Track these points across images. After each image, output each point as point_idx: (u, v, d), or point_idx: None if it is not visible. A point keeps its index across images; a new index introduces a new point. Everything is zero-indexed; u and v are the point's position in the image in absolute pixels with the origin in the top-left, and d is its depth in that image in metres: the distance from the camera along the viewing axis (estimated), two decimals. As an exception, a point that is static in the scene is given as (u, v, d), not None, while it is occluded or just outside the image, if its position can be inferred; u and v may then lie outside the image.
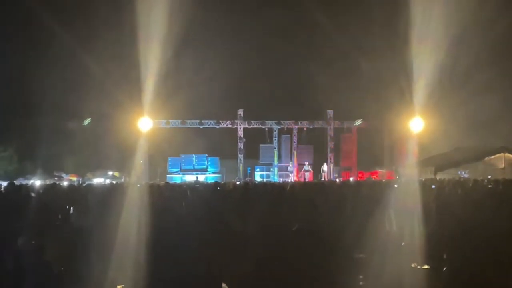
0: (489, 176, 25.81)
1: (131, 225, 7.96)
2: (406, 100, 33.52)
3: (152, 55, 29.45)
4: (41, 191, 15.11)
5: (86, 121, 37.59)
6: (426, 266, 7.55)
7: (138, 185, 18.15)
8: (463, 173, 35.17)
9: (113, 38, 32.12)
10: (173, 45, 29.55)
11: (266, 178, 39.97)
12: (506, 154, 34.97)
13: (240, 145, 40.30)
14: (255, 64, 38.86)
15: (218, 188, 14.50)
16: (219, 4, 35.23)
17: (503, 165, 34.48)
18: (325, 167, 39.72)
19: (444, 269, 7.00)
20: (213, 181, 26.16)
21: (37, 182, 27.65)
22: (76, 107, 34.83)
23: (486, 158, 35.26)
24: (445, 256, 7.43)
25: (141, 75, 30.09)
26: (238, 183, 27.78)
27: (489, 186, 16.35)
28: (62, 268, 7.05)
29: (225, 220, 7.99)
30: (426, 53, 29.00)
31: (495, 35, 31.95)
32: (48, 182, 29.11)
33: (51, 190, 14.22)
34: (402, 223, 8.92)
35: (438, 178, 25.58)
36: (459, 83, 33.43)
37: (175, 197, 11.56)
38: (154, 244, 7.23)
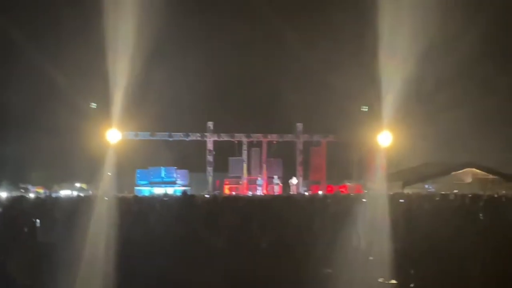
0: (455, 191, 26.11)
1: (99, 238, 7.89)
2: (375, 114, 33.84)
3: (121, 66, 29.27)
4: (6, 203, 14.89)
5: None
6: (393, 281, 7.59)
7: (106, 198, 17.98)
8: (430, 187, 35.55)
9: (81, 49, 31.91)
10: (142, 57, 29.42)
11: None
12: (473, 169, 35.51)
13: (210, 157, 40.22)
14: (225, 76, 38.90)
15: (188, 200, 14.42)
16: (189, 16, 35.19)
17: (470, 180, 34.98)
18: (294, 180, 39.77)
19: (411, 285, 7.06)
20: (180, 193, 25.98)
21: (2, 194, 27.24)
22: (43, 119, 34.42)
23: (453, 173, 35.77)
24: (412, 272, 7.49)
25: (110, 87, 29.89)
26: (207, 196, 27.68)
27: (454, 200, 16.55)
28: (27, 283, 6.95)
29: (194, 235, 7.96)
30: (394, 67, 29.27)
31: (463, 50, 32.43)
32: (14, 194, 28.67)
33: (17, 202, 14.02)
34: (370, 238, 8.95)
35: (406, 192, 25.81)
36: (428, 98, 33.86)
37: (143, 210, 11.47)
38: (122, 258, 7.18)
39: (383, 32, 27.79)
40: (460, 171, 35.91)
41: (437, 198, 18.04)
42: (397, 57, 29.16)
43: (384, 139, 36.63)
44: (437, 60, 31.44)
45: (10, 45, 34.09)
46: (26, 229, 9.15)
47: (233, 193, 38.43)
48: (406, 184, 33.67)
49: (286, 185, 40.01)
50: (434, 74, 31.82)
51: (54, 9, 33.89)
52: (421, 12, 27.61)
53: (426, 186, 35.46)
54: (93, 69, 31.20)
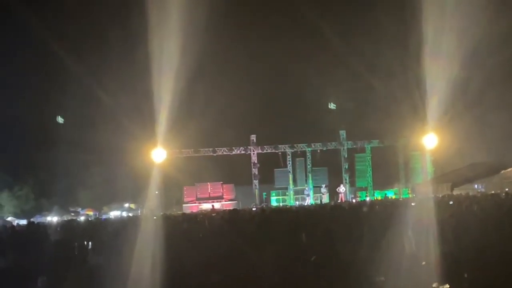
0: (506, 189, 25.56)
1: (148, 257, 7.95)
2: (420, 117, 33.42)
3: (164, 86, 29.61)
4: (58, 228, 15.13)
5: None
6: (447, 286, 7.45)
7: (155, 217, 18.14)
8: (480, 187, 34.87)
9: (126, 71, 32.39)
10: (183, 74, 29.70)
11: (282, 202, 39.83)
12: (522, 167, 34.81)
13: (255, 170, 40.28)
14: (266, 89, 38.98)
15: (235, 215, 14.44)
16: (229, 31, 35.35)
17: (520, 178, 34.25)
18: (341, 188, 39.52)
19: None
20: (229, 208, 26.13)
21: (54, 219, 27.73)
22: (90, 141, 34.93)
23: (502, 172, 35.06)
24: (466, 275, 7.34)
25: (154, 106, 30.23)
26: (254, 209, 27.70)
27: (505, 199, 16.22)
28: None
29: (242, 251, 7.96)
30: (439, 69, 28.90)
31: (510, 50, 31.82)
32: (65, 218, 29.18)
33: (68, 227, 14.26)
34: (421, 242, 8.81)
35: (455, 194, 25.41)
36: (473, 99, 33.25)
37: (192, 228, 11.54)
38: (172, 276, 7.22)
39: (427, 32, 27.50)
40: (509, 169, 35.18)
41: (489, 198, 17.69)
42: (442, 58, 28.79)
43: (430, 141, 36.11)
44: (483, 60, 30.84)
45: (57, 68, 34.76)
46: (77, 253, 9.29)
47: (280, 204, 38.35)
48: (454, 185, 33.11)
49: (332, 193, 39.77)
50: (480, 73, 31.21)
51: (99, 28, 34.49)
52: (466, 12, 27.24)
53: (476, 186, 34.78)
54: (138, 89, 31.67)
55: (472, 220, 9.99)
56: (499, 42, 30.72)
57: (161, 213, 24.25)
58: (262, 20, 38.57)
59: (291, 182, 41.09)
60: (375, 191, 39.90)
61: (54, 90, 36.11)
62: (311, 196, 39.81)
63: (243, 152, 40.28)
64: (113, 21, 32.74)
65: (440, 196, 21.50)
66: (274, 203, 39.45)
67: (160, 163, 35.80)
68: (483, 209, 12.32)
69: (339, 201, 37.00)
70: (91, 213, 37.26)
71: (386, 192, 38.42)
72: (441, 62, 28.80)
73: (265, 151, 40.56)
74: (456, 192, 29.32)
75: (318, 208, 20.85)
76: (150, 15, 27.05)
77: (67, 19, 34.89)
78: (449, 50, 28.27)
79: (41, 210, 37.56)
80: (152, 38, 27.60)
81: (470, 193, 22.49)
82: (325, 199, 38.90)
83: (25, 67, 36.59)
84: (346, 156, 40.81)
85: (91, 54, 35.22)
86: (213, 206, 36.15)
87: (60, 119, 35.85)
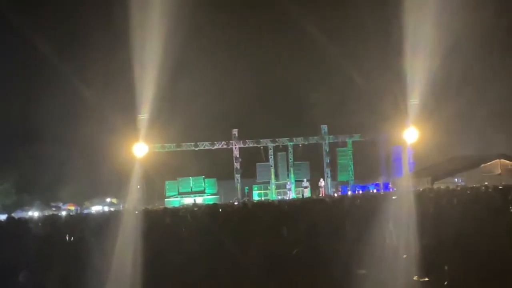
0: (486, 183, 25.85)
1: (129, 253, 7.93)
2: (401, 111, 33.64)
3: (145, 80, 29.56)
4: (39, 223, 15.06)
5: None
6: (426, 279, 7.51)
7: (136, 211, 18.11)
8: (460, 181, 35.21)
9: (107, 65, 32.26)
10: (165, 69, 29.64)
11: (264, 196, 39.93)
12: (502, 160, 35.18)
13: (236, 165, 40.31)
14: (247, 83, 38.95)
15: (219, 210, 14.47)
16: (212, 25, 35.29)
17: (499, 171, 34.64)
18: (322, 182, 39.69)
19: (445, 283, 6.98)
20: (211, 203, 26.13)
21: (35, 214, 27.55)
22: (71, 135, 34.75)
23: (482, 165, 35.46)
24: (446, 268, 7.41)
25: (135, 101, 30.17)
26: (236, 203, 27.74)
27: (484, 192, 16.38)
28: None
29: (225, 246, 7.97)
30: (419, 63, 29.09)
31: (489, 44, 32.09)
32: (46, 213, 29.02)
33: (49, 221, 14.19)
34: (402, 236, 8.88)
35: (435, 188, 25.62)
36: (453, 93, 33.51)
37: (174, 223, 11.53)
38: (155, 272, 7.21)
39: (408, 27, 27.64)
40: (489, 163, 35.59)
41: (468, 192, 17.85)
42: (422, 52, 28.96)
43: (410, 135, 36.36)
44: (463, 53, 31.06)
45: (38, 62, 34.52)
46: (59, 248, 9.26)
47: (262, 198, 38.48)
48: (435, 179, 33.40)
49: (314, 187, 39.91)
50: (460, 67, 31.46)
51: (82, 22, 34.28)
52: (447, 8, 27.42)
53: (456, 180, 35.10)
54: (119, 84, 31.55)
55: (452, 213, 10.09)
56: (479, 36, 30.97)
57: (143, 208, 24.22)
58: (245, 14, 38.55)
59: (273, 176, 41.20)
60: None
61: (36, 85, 35.88)
62: (293, 190, 39.92)
63: (225, 146, 40.28)
64: (95, 15, 32.62)
65: (421, 189, 21.68)
66: (256, 197, 39.52)
67: (142, 157, 35.75)
68: (463, 202, 12.45)
69: (320, 195, 37.19)
70: (72, 208, 37.08)
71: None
72: (421, 56, 28.99)
73: (247, 145, 40.58)
74: (436, 185, 29.57)
75: (300, 202, 20.90)
76: (132, 10, 26.97)
77: (48, 13, 34.63)
78: (429, 44, 28.47)
79: (22, 205, 37.30)
80: (134, 32, 27.54)
81: (450, 187, 22.68)
82: (307, 193, 39.02)
83: (4, 61, 36.27)
84: (327, 150, 40.94)
85: (72, 49, 35.05)
86: (195, 200, 36.20)
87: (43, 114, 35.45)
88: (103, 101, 33.46)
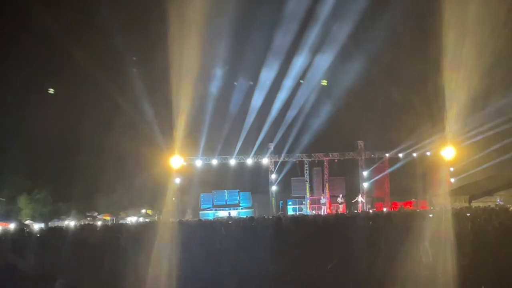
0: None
1: (163, 263, 7.98)
2: (439, 129, 33.29)
3: (183, 94, 29.74)
4: (75, 232, 15.22)
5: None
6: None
7: (172, 222, 18.18)
8: (498, 200, 34.61)
9: (146, 79, 32.60)
10: (203, 84, 29.85)
11: (298, 211, 39.78)
12: (542, 179, 34.50)
13: (272, 179, 40.26)
14: (284, 98, 38.90)
15: (252, 224, 14.48)
16: (245, 40, 35.38)
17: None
18: (359, 197, 39.47)
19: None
20: (246, 216, 26.17)
21: (71, 223, 27.85)
22: (109, 147, 35.11)
23: (521, 185, 34.82)
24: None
25: (173, 114, 30.37)
26: (270, 217, 27.69)
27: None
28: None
29: (259, 259, 7.97)
30: (458, 81, 28.75)
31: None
32: (82, 222, 29.33)
33: (85, 231, 14.34)
34: (438, 254, 8.76)
35: (473, 207, 25.25)
36: (491, 111, 33.03)
37: (208, 235, 11.56)
38: (188, 283, 7.24)
39: (446, 44, 27.34)
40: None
41: (507, 211, 17.55)
42: (461, 70, 28.61)
43: (449, 152, 35.92)
44: (502, 72, 30.59)
45: (79, 74, 34.90)
46: (93, 257, 9.34)
47: (296, 213, 38.33)
48: (472, 198, 32.88)
49: (350, 203, 39.69)
50: (499, 86, 30.99)
51: (120, 37, 34.67)
52: (488, 23, 27.09)
53: (498, 200, 34.46)
54: (157, 97, 31.86)
55: (490, 233, 9.93)
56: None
57: (178, 219, 24.32)
58: (286, 25, 38.52)
59: (307, 191, 41.04)
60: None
61: (76, 96, 36.32)
62: (327, 206, 39.73)
63: (260, 160, 40.28)
64: (136, 27, 32.99)
65: (458, 208, 21.38)
66: (290, 212, 39.41)
67: (177, 170, 35.94)
68: (501, 222, 12.23)
69: (355, 211, 36.92)
70: (108, 218, 37.44)
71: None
72: (460, 73, 28.64)
73: (282, 159, 40.52)
74: (474, 204, 29.13)
75: (334, 218, 20.78)
76: (173, 22, 27.17)
77: (90, 28, 35.03)
78: (469, 61, 28.09)
79: (59, 214, 37.75)
80: (172, 46, 27.71)
81: (489, 206, 22.31)
82: (342, 208, 38.79)
83: (47, 73, 36.90)
84: (364, 166, 40.69)
85: (113, 62, 35.42)
86: (229, 213, 36.23)
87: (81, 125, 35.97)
88: (142, 113, 33.87)
